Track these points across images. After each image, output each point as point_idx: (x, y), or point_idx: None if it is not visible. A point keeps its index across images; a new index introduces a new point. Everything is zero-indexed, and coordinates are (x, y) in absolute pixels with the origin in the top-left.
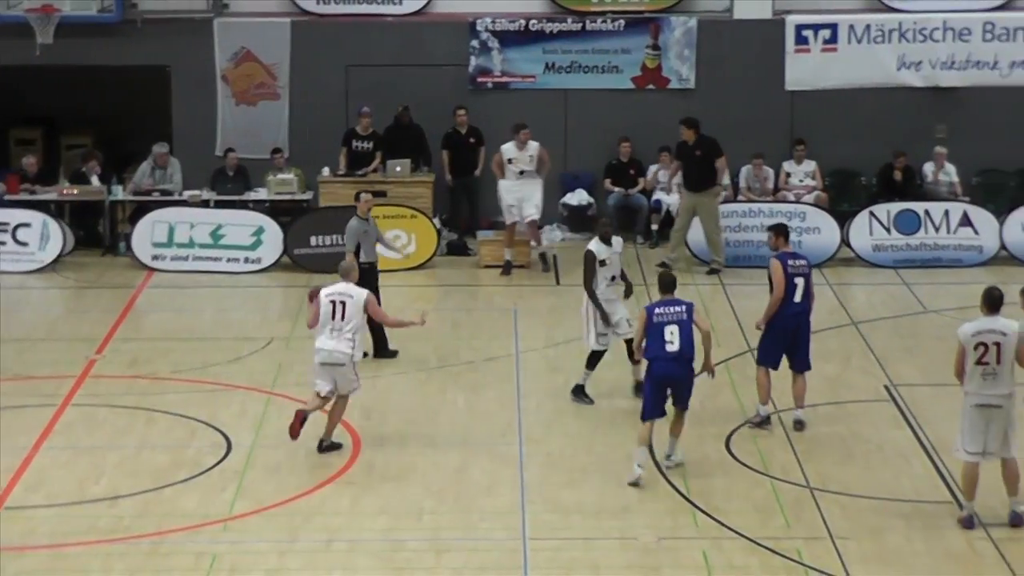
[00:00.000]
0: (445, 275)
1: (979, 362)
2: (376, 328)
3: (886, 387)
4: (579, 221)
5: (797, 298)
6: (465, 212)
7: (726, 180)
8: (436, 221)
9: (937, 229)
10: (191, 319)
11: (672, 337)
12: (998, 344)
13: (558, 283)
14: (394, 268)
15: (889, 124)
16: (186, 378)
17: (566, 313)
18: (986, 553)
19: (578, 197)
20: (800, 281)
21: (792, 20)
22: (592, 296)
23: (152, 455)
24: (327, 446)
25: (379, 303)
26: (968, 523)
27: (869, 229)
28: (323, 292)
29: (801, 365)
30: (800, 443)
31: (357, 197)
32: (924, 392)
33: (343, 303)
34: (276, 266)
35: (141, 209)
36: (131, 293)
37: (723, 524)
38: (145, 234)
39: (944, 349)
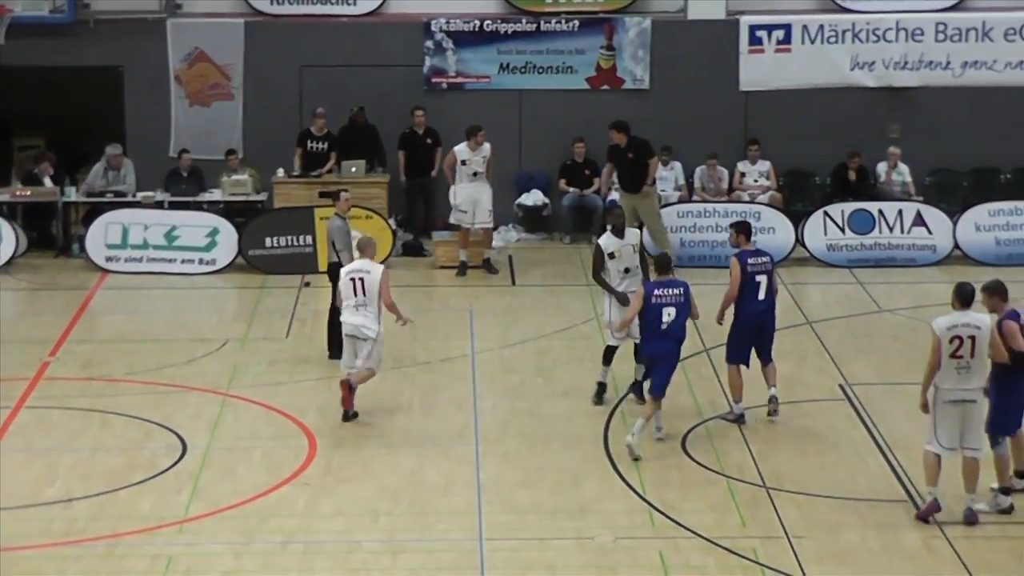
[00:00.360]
0: (400, 276)
1: (954, 355)
2: (331, 324)
3: (841, 386)
4: (534, 221)
5: (760, 295)
6: (421, 213)
7: (683, 178)
8: (391, 222)
9: (891, 229)
10: (145, 321)
11: (668, 318)
12: (973, 337)
13: (513, 283)
14: None
15: (843, 124)
16: (141, 380)
17: (521, 313)
18: (941, 551)
19: (533, 198)
20: (762, 279)
21: (746, 21)
22: (601, 283)
23: (107, 457)
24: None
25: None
26: (935, 507)
27: (823, 229)
28: (343, 271)
29: (768, 359)
30: (756, 442)
31: (338, 195)
32: (879, 391)
33: (361, 279)
34: (231, 267)
35: (95, 210)
36: (85, 295)
37: (679, 524)
38: (99, 236)
39: (899, 348)
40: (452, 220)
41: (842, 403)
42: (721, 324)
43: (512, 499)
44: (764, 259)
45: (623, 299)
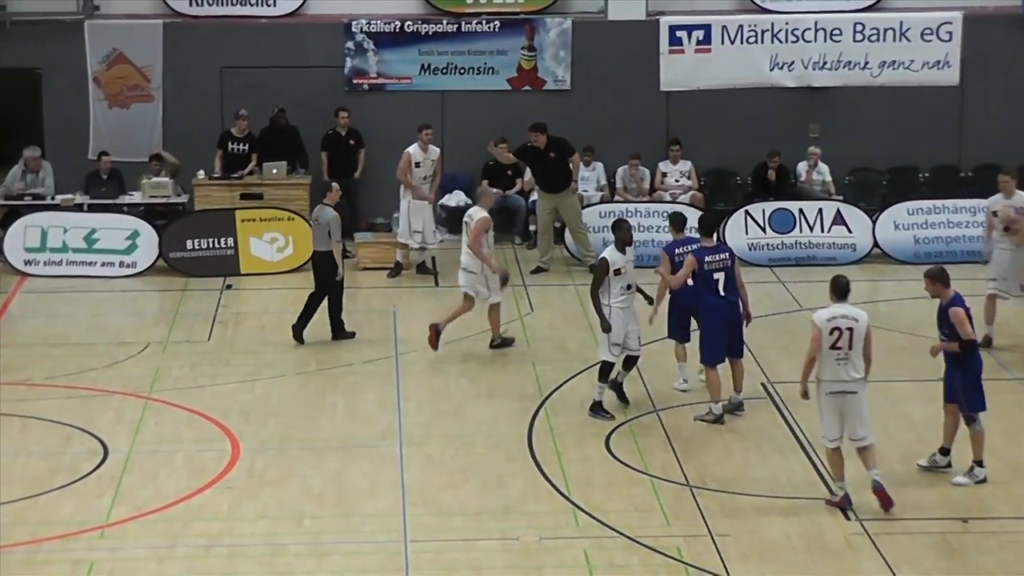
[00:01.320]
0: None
1: (834, 347)
2: (334, 311)
3: (763, 384)
4: (457, 222)
5: (722, 292)
6: (344, 214)
7: (605, 178)
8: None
9: (811, 228)
10: (66, 324)
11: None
12: (851, 329)
13: (437, 284)
14: (271, 271)
15: (763, 124)
16: (61, 384)
17: (445, 315)
18: (862, 547)
19: (456, 199)
20: (720, 276)
21: (666, 21)
22: (597, 303)
23: (27, 462)
24: (498, 343)
25: (341, 290)
26: (846, 502)
27: (745, 228)
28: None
29: (737, 353)
30: (679, 441)
31: (329, 187)
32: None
33: (466, 223)
34: (152, 270)
35: (13, 213)
36: (3, 299)
37: (604, 523)
38: (17, 239)
39: None
40: (402, 239)
41: (764, 401)
42: (651, 324)
43: (437, 500)
44: (723, 256)
45: (607, 327)
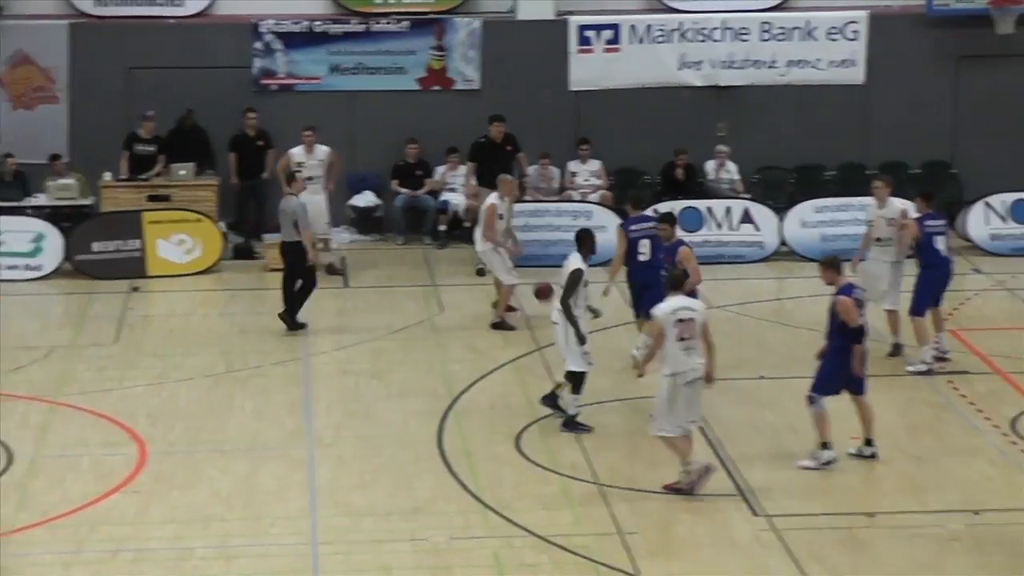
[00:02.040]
0: (231, 279)
1: (681, 338)
2: (300, 296)
3: None
4: (367, 223)
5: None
6: (252, 215)
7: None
8: (222, 225)
9: (720, 226)
10: None
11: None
12: (692, 319)
13: (347, 285)
14: (179, 273)
15: (672, 123)
16: None
17: (355, 316)
18: (770, 543)
19: (366, 199)
20: (646, 242)
21: (574, 21)
22: (571, 314)
23: None
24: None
25: (312, 278)
26: (707, 471)
27: None
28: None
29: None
30: (588, 440)
31: (293, 177)
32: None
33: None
34: (57, 273)
35: None
36: None
37: (514, 522)
38: None
39: (728, 344)
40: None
41: None
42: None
43: (346, 502)
44: (647, 224)
45: (583, 339)
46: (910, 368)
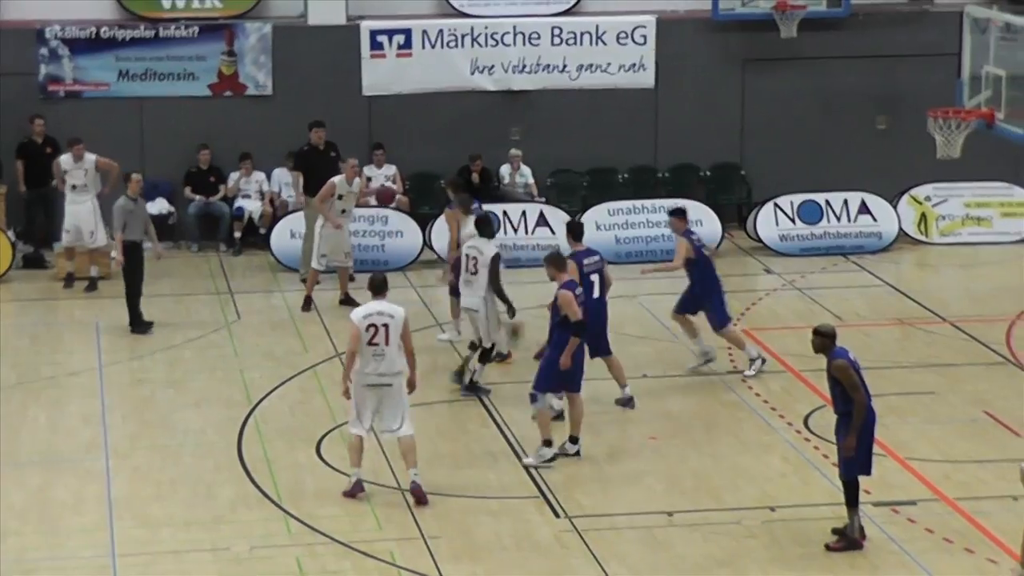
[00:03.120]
0: (21, 289)
1: (370, 343)
2: (132, 298)
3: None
4: (160, 230)
5: (596, 293)
6: (41, 224)
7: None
8: (10, 234)
9: (516, 230)
10: None
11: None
12: (386, 326)
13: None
14: None
15: (466, 127)
16: None
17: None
18: (571, 543)
19: (158, 206)
20: (596, 277)
21: (366, 25)
22: (502, 293)
23: None
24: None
25: (142, 279)
26: (359, 488)
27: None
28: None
29: (607, 351)
30: (389, 445)
31: (128, 177)
32: (508, 390)
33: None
34: None
35: None
36: None
37: (316, 529)
38: None
39: (526, 347)
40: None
41: (473, 403)
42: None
43: (145, 513)
44: (596, 258)
45: (512, 310)
46: (692, 366)
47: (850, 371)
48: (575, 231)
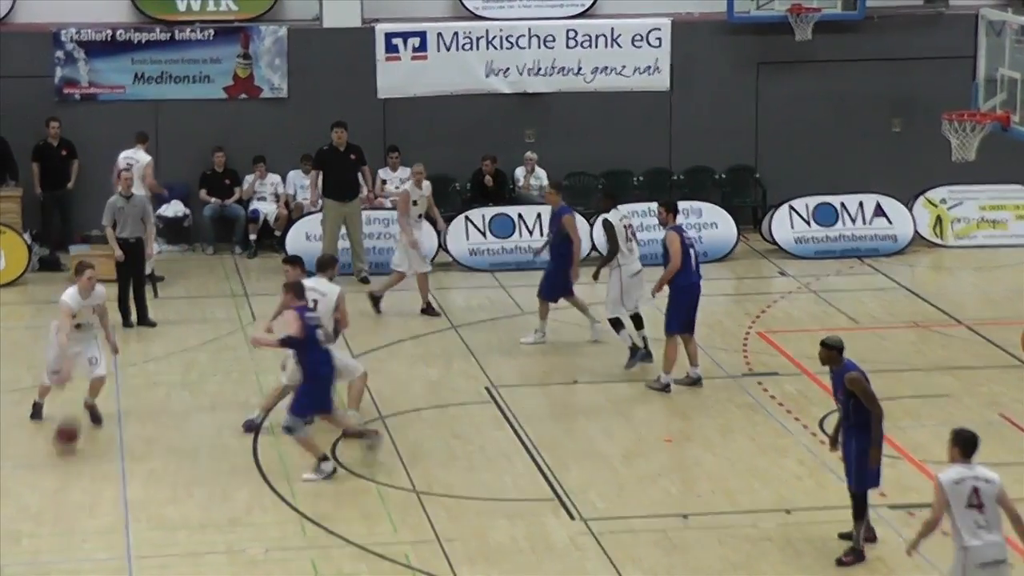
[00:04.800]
0: (37, 292)
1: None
2: (139, 296)
3: (487, 388)
4: (175, 233)
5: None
6: (57, 226)
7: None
8: (27, 236)
9: (531, 232)
10: None
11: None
12: (316, 301)
13: (156, 296)
14: None
15: (480, 129)
16: None
17: (165, 326)
18: (587, 546)
19: (173, 209)
20: (693, 252)
21: (381, 28)
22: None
23: None
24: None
25: (143, 280)
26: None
27: (466, 234)
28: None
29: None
30: (404, 447)
31: (118, 176)
32: (523, 392)
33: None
34: None
35: None
36: None
37: (331, 532)
38: None
39: (542, 349)
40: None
41: (488, 405)
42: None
43: (161, 515)
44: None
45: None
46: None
47: (865, 383)
48: (672, 208)
